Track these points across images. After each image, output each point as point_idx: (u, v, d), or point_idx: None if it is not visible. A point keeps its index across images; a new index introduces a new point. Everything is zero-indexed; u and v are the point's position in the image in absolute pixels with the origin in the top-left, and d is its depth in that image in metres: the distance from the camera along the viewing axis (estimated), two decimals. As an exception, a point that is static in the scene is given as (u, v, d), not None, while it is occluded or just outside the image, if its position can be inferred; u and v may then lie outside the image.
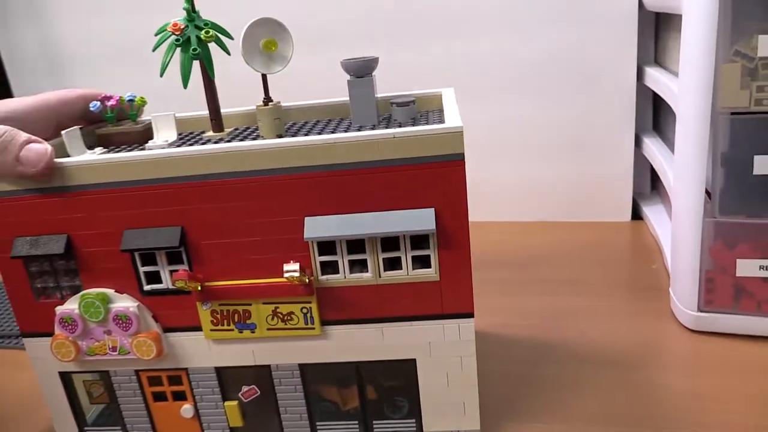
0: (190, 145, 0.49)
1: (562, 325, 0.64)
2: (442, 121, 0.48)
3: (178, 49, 0.46)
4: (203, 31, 0.45)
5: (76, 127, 0.51)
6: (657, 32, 0.84)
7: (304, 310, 0.44)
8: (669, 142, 0.80)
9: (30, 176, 0.42)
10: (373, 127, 0.48)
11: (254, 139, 0.49)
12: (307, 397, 0.47)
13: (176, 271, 0.44)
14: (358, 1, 0.86)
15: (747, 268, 0.55)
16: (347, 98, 0.51)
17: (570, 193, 0.89)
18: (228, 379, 0.47)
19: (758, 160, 0.52)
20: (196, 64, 0.46)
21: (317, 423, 0.48)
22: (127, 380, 0.48)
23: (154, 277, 0.45)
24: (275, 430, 0.48)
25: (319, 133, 0.48)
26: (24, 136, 0.43)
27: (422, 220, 0.40)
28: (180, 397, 0.48)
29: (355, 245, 0.42)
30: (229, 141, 0.49)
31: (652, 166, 0.86)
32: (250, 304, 0.44)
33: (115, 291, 0.45)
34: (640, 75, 0.82)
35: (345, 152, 0.40)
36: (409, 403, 0.46)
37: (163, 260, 0.44)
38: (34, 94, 0.58)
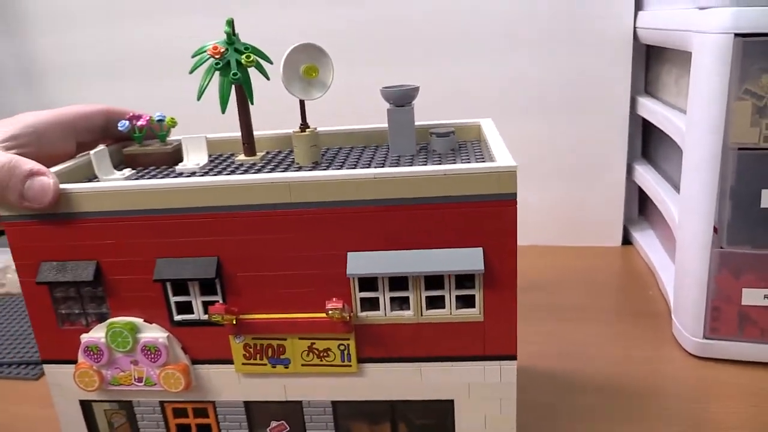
0: (222, 169, 0.48)
1: (567, 352, 0.64)
2: (482, 153, 0.47)
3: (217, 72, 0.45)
4: (244, 56, 0.44)
5: (103, 146, 0.50)
6: (648, 63, 0.87)
7: (342, 347, 0.42)
8: (660, 169, 0.84)
9: (37, 210, 0.41)
10: (412, 158, 0.47)
11: (288, 164, 0.48)
12: (337, 435, 0.45)
13: (209, 302, 0.42)
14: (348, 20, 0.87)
15: (752, 296, 0.57)
16: (384, 125, 0.50)
17: (562, 217, 0.91)
18: (256, 413, 0.46)
19: (765, 193, 0.54)
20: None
21: (346, 461, 0.46)
22: (151, 411, 0.46)
23: (185, 308, 0.43)
24: (302, 466, 0.47)
25: (357, 162, 0.47)
26: (26, 167, 0.41)
27: (470, 259, 0.39)
28: (205, 430, 0.46)
29: (398, 282, 0.41)
30: (263, 166, 0.48)
31: (640, 191, 0.89)
32: (285, 339, 0.42)
33: (144, 320, 0.43)
34: (632, 104, 0.85)
35: (393, 188, 0.39)
36: (443, 443, 0.45)
37: (196, 291, 0.43)
38: (8, 109, 0.57)
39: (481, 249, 0.39)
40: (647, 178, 0.83)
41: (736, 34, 0.52)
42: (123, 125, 0.51)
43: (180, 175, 0.48)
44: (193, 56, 0.46)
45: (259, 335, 0.43)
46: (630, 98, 0.84)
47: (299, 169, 0.46)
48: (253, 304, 0.42)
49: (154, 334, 0.43)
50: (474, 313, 0.41)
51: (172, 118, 0.51)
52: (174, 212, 0.41)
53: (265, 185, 0.39)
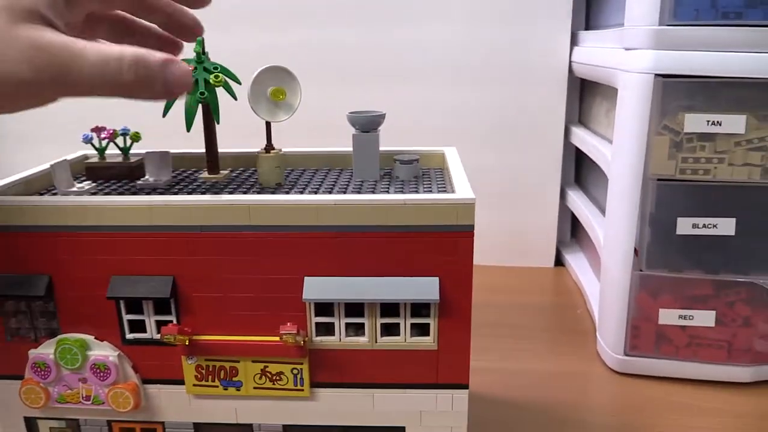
0: (185, 186, 0.48)
1: (497, 367, 0.67)
2: (444, 183, 0.47)
3: None
4: (212, 75, 0.44)
5: (64, 157, 0.49)
6: (582, 95, 0.93)
7: (295, 371, 0.42)
8: (590, 195, 0.90)
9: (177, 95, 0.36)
10: (375, 183, 0.47)
11: (251, 184, 0.48)
12: (288, 459, 0.45)
13: (163, 321, 0.42)
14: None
15: (668, 316, 0.61)
16: (348, 148, 0.50)
17: (499, 239, 0.94)
18: (207, 435, 0.45)
19: (681, 221, 0.58)
20: None
21: (296, 485, 0.46)
22: (98, 430, 0.45)
23: (138, 326, 0.43)
24: (251, 490, 0.46)
25: (320, 185, 0.47)
26: (157, 56, 0.34)
27: (426, 289, 0.40)
28: (153, 451, 0.45)
29: (354, 308, 0.41)
30: (226, 185, 0.48)
31: (572, 216, 0.92)
32: (239, 361, 0.42)
33: (95, 338, 0.43)
34: (566, 133, 0.91)
35: (352, 215, 0.39)
36: (393, 470, 0.45)
37: (150, 309, 0.42)
38: None
39: (437, 278, 0.40)
40: (578, 203, 0.87)
41: (657, 75, 0.56)
42: (85, 137, 0.50)
43: (141, 190, 0.47)
44: None
45: (212, 357, 0.42)
46: (564, 128, 0.89)
47: (262, 189, 0.46)
48: (208, 324, 0.42)
49: (104, 351, 0.42)
50: (428, 342, 0.41)
51: (137, 133, 0.51)
52: (131, 230, 0.40)
53: (225, 207, 0.39)
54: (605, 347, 0.66)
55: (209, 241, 0.40)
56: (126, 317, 0.42)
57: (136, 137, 0.51)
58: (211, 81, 0.44)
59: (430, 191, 0.45)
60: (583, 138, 0.83)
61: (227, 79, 0.46)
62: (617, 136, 0.61)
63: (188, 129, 0.44)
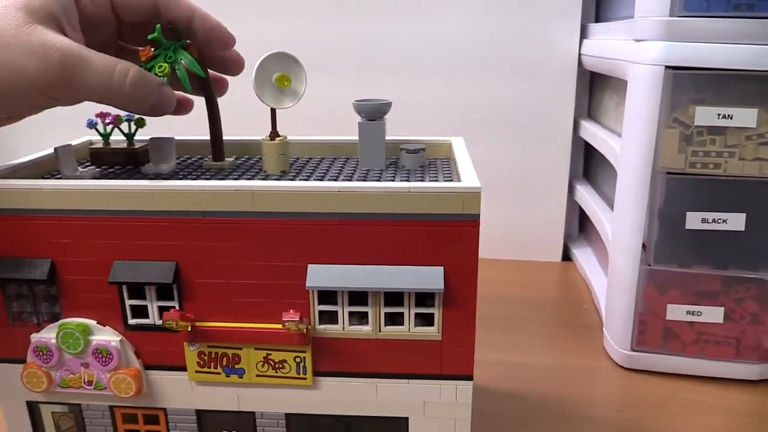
0: (189, 172, 0.47)
1: (503, 360, 0.66)
2: (451, 172, 0.47)
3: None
4: (158, 66, 0.43)
5: (69, 143, 0.49)
6: (591, 88, 0.92)
7: (298, 359, 0.42)
8: (599, 189, 0.89)
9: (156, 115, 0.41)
10: (381, 172, 0.47)
11: (256, 172, 0.47)
12: (289, 448, 0.45)
13: (165, 307, 0.42)
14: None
15: (676, 312, 0.61)
16: (354, 137, 0.50)
17: (506, 233, 0.94)
18: (208, 422, 0.45)
19: (690, 216, 0.57)
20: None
21: (297, 474, 0.46)
22: (100, 416, 0.45)
23: (140, 312, 0.42)
24: (252, 478, 0.46)
25: (325, 173, 0.47)
26: (155, 79, 0.40)
27: (430, 278, 0.39)
28: (155, 437, 0.45)
29: (357, 297, 0.41)
30: (230, 172, 0.47)
31: (580, 210, 0.94)
32: (241, 348, 0.42)
33: (97, 323, 0.43)
34: (575, 127, 0.90)
35: (357, 202, 0.38)
36: (396, 461, 0.45)
37: (152, 295, 0.42)
38: None
39: (441, 268, 0.39)
40: (587, 197, 0.87)
41: (667, 66, 0.55)
42: (90, 122, 0.50)
43: (145, 176, 0.47)
44: None
45: (215, 343, 0.42)
46: (573, 121, 0.89)
47: (266, 177, 0.46)
48: (210, 311, 0.42)
49: (106, 337, 0.42)
50: (432, 332, 0.41)
51: (141, 118, 0.51)
52: (134, 214, 0.40)
53: (228, 192, 0.39)
54: (612, 342, 0.66)
55: (212, 226, 0.40)
56: (128, 302, 0.42)
57: (140, 123, 0.51)
58: (156, 71, 0.42)
59: (437, 180, 0.44)
60: (592, 131, 0.82)
61: (189, 68, 0.43)
62: (626, 128, 0.60)
63: None
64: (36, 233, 0.41)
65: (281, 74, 0.45)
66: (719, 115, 0.54)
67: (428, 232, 0.39)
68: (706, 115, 0.54)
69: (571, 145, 0.90)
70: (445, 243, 0.39)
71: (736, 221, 0.56)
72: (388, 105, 0.48)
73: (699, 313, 0.59)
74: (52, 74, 0.36)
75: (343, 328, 0.41)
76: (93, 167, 0.49)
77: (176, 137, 0.50)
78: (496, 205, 0.92)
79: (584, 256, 0.91)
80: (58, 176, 0.47)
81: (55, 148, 0.47)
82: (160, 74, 0.42)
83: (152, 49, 0.43)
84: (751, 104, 0.53)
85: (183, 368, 0.43)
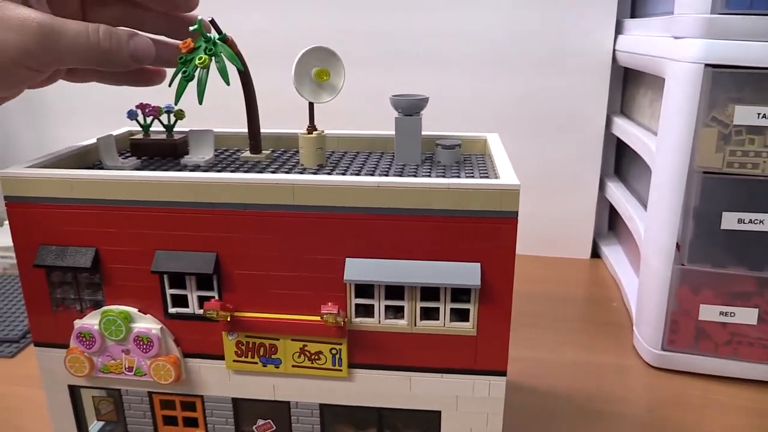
0: (227, 164, 0.48)
1: (532, 356, 0.66)
2: (486, 168, 0.47)
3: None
4: (198, 58, 0.43)
5: (110, 133, 0.50)
6: (624, 84, 0.91)
7: (333, 351, 0.42)
8: (630, 186, 0.88)
9: (138, 66, 0.42)
10: (417, 167, 0.47)
11: (293, 165, 0.48)
12: (323, 438, 0.45)
13: (205, 297, 0.42)
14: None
15: (709, 312, 0.60)
16: (389, 132, 0.50)
17: (536, 229, 0.93)
18: (244, 410, 0.46)
19: (726, 216, 0.57)
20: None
21: (329, 464, 0.46)
22: (139, 401, 0.46)
23: (180, 301, 0.43)
24: (285, 466, 0.47)
25: (362, 167, 0.47)
26: (123, 30, 0.42)
27: (467, 274, 0.39)
28: (191, 423, 0.46)
29: (394, 291, 0.41)
30: (267, 165, 0.48)
31: (610, 207, 0.94)
32: (278, 339, 0.43)
33: (139, 310, 0.44)
34: (608, 123, 0.89)
35: (396, 197, 0.39)
36: (427, 453, 0.45)
37: (193, 285, 0.43)
38: None
39: (478, 264, 0.40)
40: (618, 194, 0.86)
41: (707, 65, 0.54)
42: (131, 113, 0.51)
43: (185, 167, 0.48)
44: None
45: (252, 334, 0.43)
46: (606, 118, 0.88)
47: (304, 170, 0.46)
48: (249, 302, 0.42)
49: (147, 324, 0.43)
50: (467, 327, 0.41)
51: (181, 110, 0.51)
52: (176, 206, 0.41)
53: (269, 185, 0.40)
54: (642, 341, 0.65)
55: (253, 219, 0.40)
56: (169, 292, 0.43)
57: (180, 115, 0.52)
58: (196, 62, 0.43)
59: (472, 177, 0.44)
60: (625, 128, 0.82)
61: (227, 60, 0.44)
62: (663, 127, 0.60)
63: (175, 103, 0.45)
64: (81, 222, 0.42)
65: (320, 69, 0.45)
66: (759, 114, 0.53)
67: (466, 229, 0.39)
68: (745, 115, 0.53)
69: (604, 141, 0.89)
70: (483, 239, 0.39)
71: (773, 222, 0.55)
72: (425, 100, 0.48)
73: (732, 314, 0.59)
74: (33, 44, 0.38)
75: (379, 322, 0.42)
76: (133, 157, 0.50)
77: (214, 129, 0.51)
78: (525, 201, 0.91)
79: (614, 254, 0.90)
80: (99, 166, 0.48)
81: (98, 139, 0.48)
82: (200, 65, 0.43)
83: (192, 42, 0.44)
84: (791, 104, 0.53)
85: (221, 357, 0.44)
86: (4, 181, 0.42)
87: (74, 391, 0.47)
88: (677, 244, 0.59)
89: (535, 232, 0.93)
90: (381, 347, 0.42)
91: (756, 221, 0.55)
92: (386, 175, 0.45)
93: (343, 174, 0.45)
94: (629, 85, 0.89)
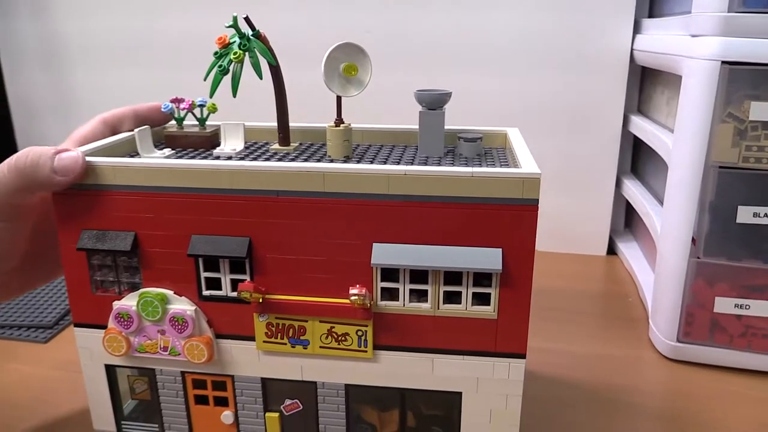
0: (258, 156, 0.50)
1: (551, 348, 0.68)
2: (507, 160, 0.49)
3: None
4: (233, 52, 0.46)
5: (146, 126, 0.52)
6: (642, 83, 0.92)
7: (360, 333, 0.44)
8: (647, 184, 0.90)
9: (68, 184, 0.43)
10: (440, 159, 0.49)
11: (321, 156, 0.50)
12: (348, 418, 0.47)
13: (237, 280, 0.44)
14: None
15: (724, 305, 0.61)
16: (411, 126, 0.52)
17: (553, 225, 0.94)
18: (272, 390, 0.48)
19: (741, 209, 0.58)
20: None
21: (353, 444, 0.48)
22: (172, 380, 0.48)
23: (213, 283, 0.45)
24: (311, 445, 0.49)
25: (386, 159, 0.49)
26: (50, 148, 0.44)
27: (489, 259, 0.41)
28: (222, 402, 0.48)
29: (418, 275, 0.43)
30: (296, 156, 0.50)
31: (626, 205, 0.95)
32: (306, 321, 0.45)
33: (174, 293, 0.46)
34: (625, 122, 0.90)
35: (422, 185, 0.41)
36: (447, 434, 0.47)
37: (226, 268, 0.45)
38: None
39: (500, 250, 0.41)
40: (634, 192, 0.87)
41: (724, 62, 0.56)
42: (167, 107, 0.53)
43: (218, 158, 0.50)
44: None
45: (282, 315, 0.45)
46: (623, 116, 0.89)
47: (332, 161, 0.48)
48: (279, 285, 0.44)
49: (182, 306, 0.45)
50: (488, 311, 0.43)
51: (213, 104, 0.54)
52: (213, 192, 0.43)
53: (301, 173, 0.42)
54: (658, 333, 0.67)
55: (285, 205, 0.42)
56: (203, 275, 0.45)
57: (212, 108, 0.54)
58: (231, 57, 0.45)
59: (494, 167, 0.46)
60: (642, 126, 0.83)
61: (260, 55, 0.46)
62: (680, 123, 0.61)
63: (210, 95, 0.47)
64: (121, 208, 0.44)
65: (349, 64, 0.47)
66: (774, 110, 0.54)
67: (488, 215, 0.41)
68: (761, 110, 0.54)
69: (620, 139, 0.90)
70: (505, 226, 0.41)
71: (788, 216, 0.56)
72: (448, 95, 0.50)
73: (747, 307, 0.60)
74: None
75: (404, 305, 0.44)
76: (168, 149, 0.53)
77: (246, 123, 0.53)
78: (543, 198, 0.93)
79: (630, 250, 0.91)
80: (137, 156, 0.50)
81: (136, 131, 0.50)
82: (235, 60, 0.45)
83: (227, 37, 0.46)
84: (806, 100, 0.54)
85: (251, 338, 0.46)
86: (50, 168, 0.44)
87: (110, 371, 0.49)
88: (693, 237, 0.60)
89: (552, 228, 0.94)
90: (405, 330, 0.44)
91: (771, 215, 0.57)
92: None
93: (370, 164, 0.47)
94: (646, 84, 0.90)
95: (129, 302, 0.46)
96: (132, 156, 0.51)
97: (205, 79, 0.48)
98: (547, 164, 0.90)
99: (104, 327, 0.47)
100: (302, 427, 0.48)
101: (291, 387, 0.47)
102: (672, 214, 0.63)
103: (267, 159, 0.49)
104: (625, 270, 0.90)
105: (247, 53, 0.46)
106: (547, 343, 0.68)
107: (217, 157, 0.50)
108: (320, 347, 0.45)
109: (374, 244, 0.42)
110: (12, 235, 0.46)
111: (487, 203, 0.41)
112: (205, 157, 0.50)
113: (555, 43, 0.88)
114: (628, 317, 0.75)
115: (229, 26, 0.46)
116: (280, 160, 0.49)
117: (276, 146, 0.52)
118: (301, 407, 0.48)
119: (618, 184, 0.94)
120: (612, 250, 0.97)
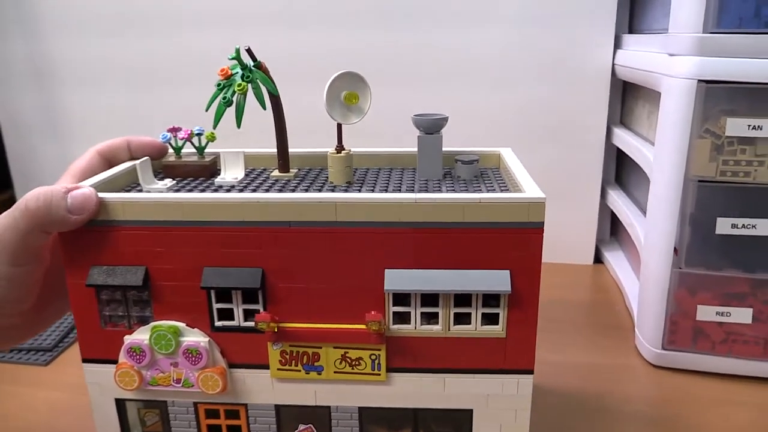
0: (259, 183, 0.51)
1: (538, 358, 0.68)
2: (504, 182, 0.50)
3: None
4: (236, 84, 0.46)
5: (147, 157, 0.52)
6: (624, 97, 0.96)
7: (373, 357, 0.45)
8: (630, 194, 0.92)
9: (83, 222, 0.43)
10: (439, 182, 0.51)
11: (323, 182, 0.51)
12: (361, 439, 0.48)
13: (251, 310, 0.45)
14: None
15: (706, 313, 0.64)
16: (407, 148, 0.54)
17: None
18: (286, 416, 0.48)
19: (720, 221, 0.61)
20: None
21: (366, 464, 0.49)
22: (185, 411, 0.49)
23: (226, 314, 0.46)
24: (324, 468, 0.49)
25: (387, 183, 0.50)
26: (60, 187, 0.43)
27: (498, 281, 0.43)
28: (235, 431, 0.49)
29: (429, 298, 0.44)
30: (298, 183, 0.51)
31: (612, 215, 0.98)
32: (320, 347, 0.45)
33: (186, 325, 0.46)
34: (608, 134, 0.93)
35: (431, 212, 0.42)
36: (458, 450, 0.48)
37: (239, 299, 0.45)
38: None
39: (508, 272, 0.43)
40: (619, 202, 0.90)
41: (700, 80, 0.58)
42: (164, 137, 0.53)
43: (219, 187, 0.50)
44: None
45: (296, 343, 0.45)
46: (606, 128, 0.92)
47: (334, 187, 0.49)
48: (292, 313, 0.45)
49: (196, 338, 0.46)
50: (497, 330, 0.45)
51: (212, 133, 0.54)
52: (224, 225, 0.44)
53: (314, 204, 0.43)
54: (643, 341, 0.69)
55: (297, 235, 0.43)
56: (216, 306, 0.46)
57: (211, 137, 0.54)
58: (235, 89, 0.46)
59: (493, 190, 0.48)
60: (624, 139, 0.86)
61: (264, 88, 0.47)
62: (659, 138, 0.64)
63: (214, 126, 0.48)
64: (131, 243, 0.44)
65: (350, 92, 0.49)
66: (749, 126, 0.57)
67: (496, 239, 0.43)
68: (736, 126, 0.58)
69: (604, 151, 0.93)
70: (512, 249, 0.43)
71: (764, 226, 0.59)
72: (445, 120, 0.51)
73: (728, 314, 0.63)
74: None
75: (415, 328, 0.45)
76: (168, 179, 0.53)
77: (245, 150, 0.54)
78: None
79: (616, 259, 0.94)
80: (138, 188, 0.50)
81: (137, 163, 0.50)
82: (239, 91, 0.46)
83: (229, 69, 0.47)
84: (780, 116, 0.57)
85: (265, 366, 0.46)
86: (58, 205, 0.44)
87: (120, 405, 0.49)
88: (675, 248, 0.63)
89: (540, 239, 0.97)
90: (417, 352, 0.45)
91: (749, 226, 0.60)
92: (412, 190, 0.48)
93: (372, 190, 0.48)
94: (628, 97, 0.93)
95: (141, 336, 0.46)
96: (133, 187, 0.51)
97: (206, 110, 0.48)
98: (534, 176, 0.92)
99: (114, 362, 0.47)
100: (316, 451, 0.49)
101: (304, 412, 0.48)
102: (654, 226, 0.66)
103: (270, 187, 0.50)
104: (612, 279, 0.92)
105: (250, 84, 0.47)
106: (541, 354, 0.70)
107: (220, 186, 0.51)
108: (334, 372, 0.46)
109: (386, 270, 0.43)
110: (28, 278, 0.45)
111: (495, 227, 0.42)
112: (207, 187, 0.51)
113: (539, 58, 0.90)
114: (615, 326, 0.78)
115: (232, 58, 0.47)
116: (282, 187, 0.50)
117: (276, 173, 0.53)
118: None
119: (603, 194, 0.96)
120: (599, 259, 1.00)
